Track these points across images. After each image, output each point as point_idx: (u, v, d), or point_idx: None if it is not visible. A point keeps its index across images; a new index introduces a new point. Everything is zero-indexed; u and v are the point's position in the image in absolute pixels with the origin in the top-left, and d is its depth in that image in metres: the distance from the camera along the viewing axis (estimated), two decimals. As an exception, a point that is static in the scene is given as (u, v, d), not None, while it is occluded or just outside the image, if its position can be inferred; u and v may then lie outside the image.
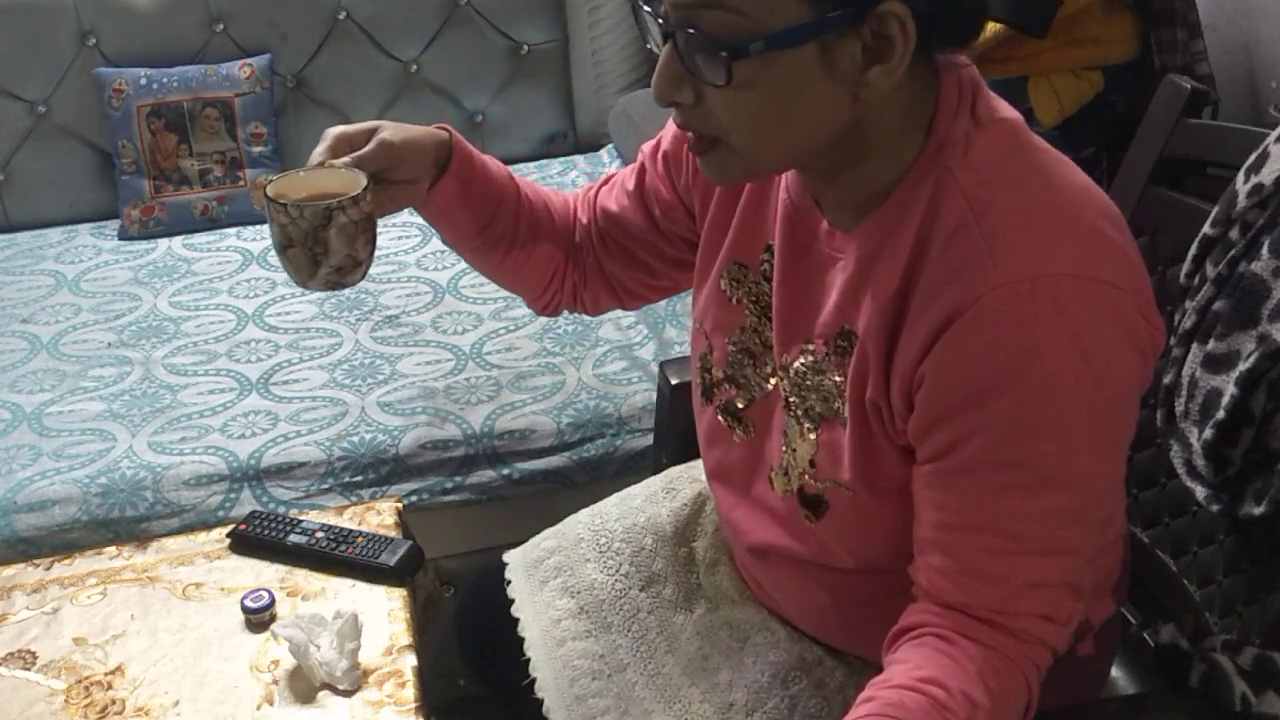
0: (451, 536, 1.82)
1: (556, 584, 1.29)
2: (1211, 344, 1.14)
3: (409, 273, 2.32)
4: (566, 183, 2.64)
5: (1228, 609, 1.21)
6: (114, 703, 1.21)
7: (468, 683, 1.61)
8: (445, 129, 1.13)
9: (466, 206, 1.15)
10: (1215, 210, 1.17)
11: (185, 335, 2.16)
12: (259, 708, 1.20)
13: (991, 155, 0.91)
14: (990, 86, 0.97)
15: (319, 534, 1.39)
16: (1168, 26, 1.85)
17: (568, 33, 2.75)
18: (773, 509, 1.10)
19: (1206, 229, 1.18)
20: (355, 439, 1.85)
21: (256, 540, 1.40)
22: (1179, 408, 1.18)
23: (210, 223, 2.54)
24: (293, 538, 1.39)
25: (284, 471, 1.81)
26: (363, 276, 1.08)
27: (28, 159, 2.59)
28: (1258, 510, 1.10)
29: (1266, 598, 1.15)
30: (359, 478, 1.82)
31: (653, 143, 1.19)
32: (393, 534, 1.41)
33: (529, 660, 1.25)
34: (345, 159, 1.06)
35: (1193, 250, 1.20)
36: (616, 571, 1.28)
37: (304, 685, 1.21)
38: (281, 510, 1.72)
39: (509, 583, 1.32)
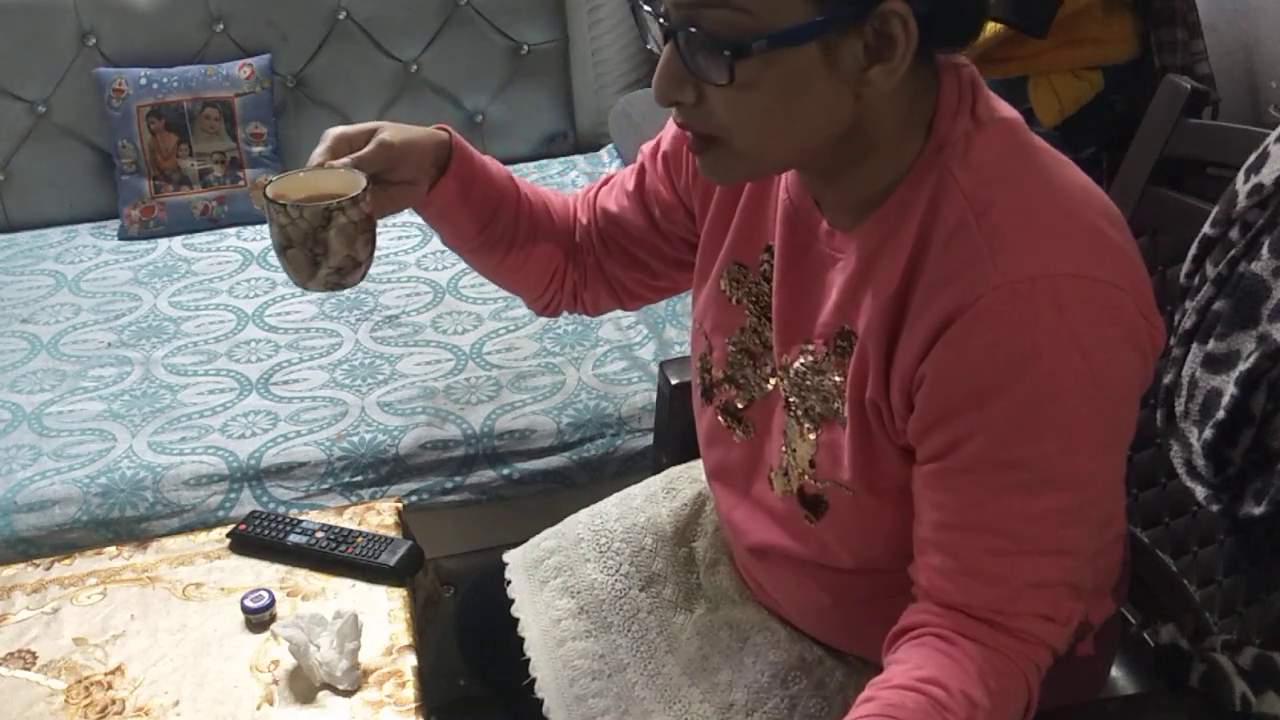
0: (451, 536, 1.82)
1: (556, 584, 1.29)
2: (1211, 344, 1.14)
3: (409, 273, 2.32)
4: (566, 183, 2.64)
5: (1228, 609, 1.21)
6: (114, 703, 1.21)
7: (468, 683, 1.61)
8: (445, 129, 1.13)
9: (466, 207, 1.15)
10: (1215, 210, 1.17)
11: (185, 335, 2.16)
12: (259, 708, 1.20)
13: (991, 155, 0.91)
14: (990, 86, 0.97)
15: (319, 534, 1.39)
16: (1168, 26, 1.85)
17: (568, 33, 2.75)
18: (773, 509, 1.10)
19: (1206, 229, 1.17)
20: (355, 439, 1.85)
21: (256, 540, 1.40)
22: (1179, 408, 1.18)
23: (210, 223, 2.54)
24: (293, 538, 1.39)
25: (284, 471, 1.81)
26: (362, 277, 1.08)
27: (28, 159, 2.59)
28: (1258, 510, 1.10)
29: (1266, 598, 1.15)
30: (359, 478, 1.82)
31: (652, 143, 1.19)
32: (393, 534, 1.41)
33: (529, 660, 1.25)
34: (345, 160, 1.06)
35: (1193, 250, 1.20)
36: (616, 571, 1.28)
37: (304, 685, 1.21)
38: (281, 510, 1.72)
39: (509, 583, 1.32)
